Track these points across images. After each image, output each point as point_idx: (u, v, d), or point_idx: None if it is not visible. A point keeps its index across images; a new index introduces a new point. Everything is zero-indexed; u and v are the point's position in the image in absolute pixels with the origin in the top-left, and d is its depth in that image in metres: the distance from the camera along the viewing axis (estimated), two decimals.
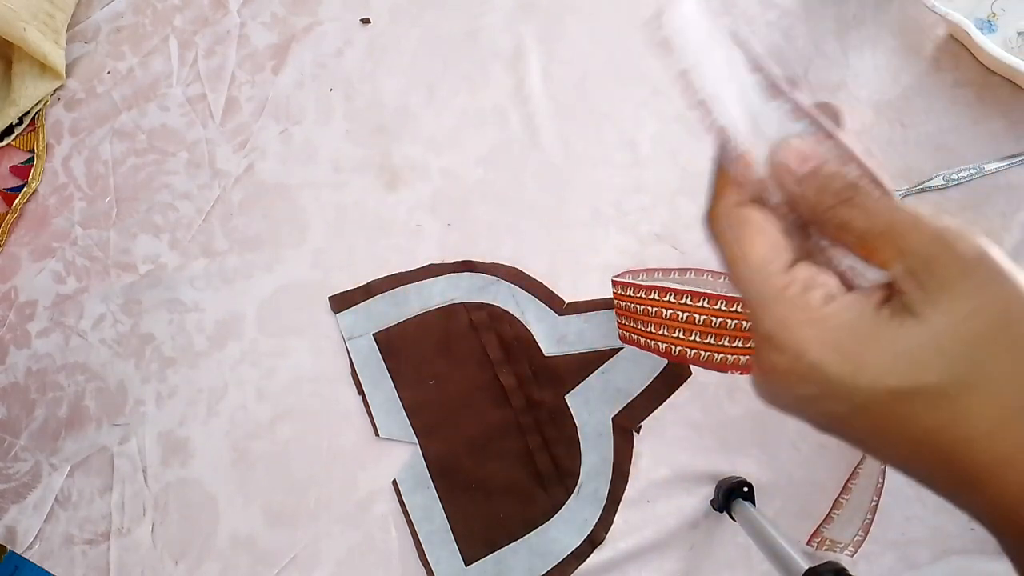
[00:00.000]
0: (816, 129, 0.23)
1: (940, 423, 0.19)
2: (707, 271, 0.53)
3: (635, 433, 0.56)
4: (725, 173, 0.23)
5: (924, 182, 0.60)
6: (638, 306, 0.48)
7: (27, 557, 0.55)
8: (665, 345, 0.46)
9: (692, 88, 0.23)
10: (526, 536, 0.54)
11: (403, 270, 0.60)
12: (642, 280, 0.53)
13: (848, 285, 0.22)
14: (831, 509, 0.52)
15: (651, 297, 0.46)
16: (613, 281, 0.52)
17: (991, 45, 0.59)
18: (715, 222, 0.23)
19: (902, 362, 0.19)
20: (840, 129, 0.24)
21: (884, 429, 0.20)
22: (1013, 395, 0.18)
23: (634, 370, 0.56)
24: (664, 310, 0.45)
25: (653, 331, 0.47)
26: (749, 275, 0.22)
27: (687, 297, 0.44)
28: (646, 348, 0.48)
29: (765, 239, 0.22)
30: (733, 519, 0.51)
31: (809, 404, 0.21)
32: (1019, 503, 0.19)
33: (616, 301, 0.52)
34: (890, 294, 0.21)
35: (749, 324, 0.32)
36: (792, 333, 0.21)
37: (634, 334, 0.49)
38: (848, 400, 0.20)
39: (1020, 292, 0.19)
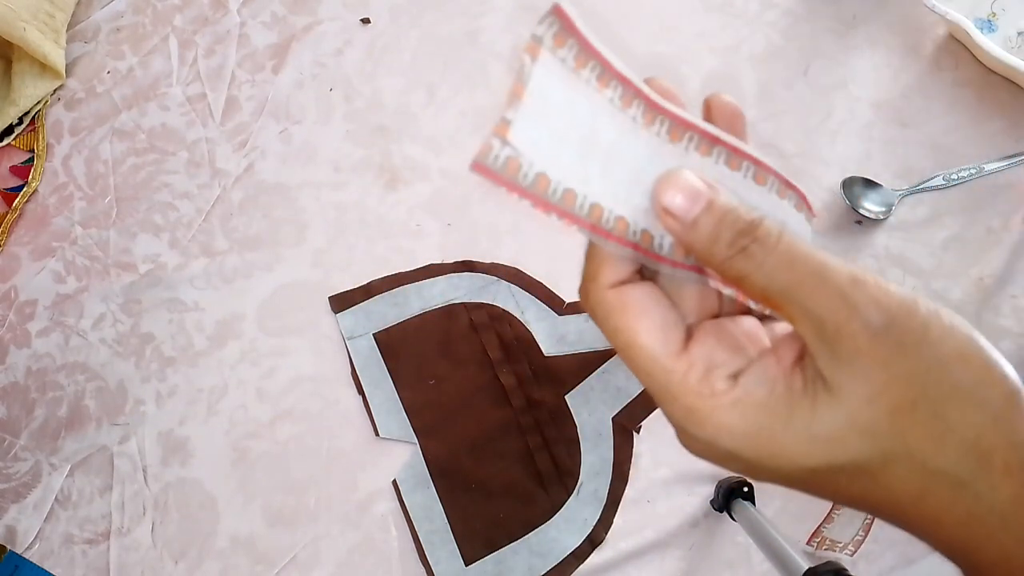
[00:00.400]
0: (700, 141, 0.21)
1: (865, 492, 0.19)
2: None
3: (635, 433, 0.56)
4: (595, 250, 0.21)
5: (924, 182, 0.60)
6: None
7: (27, 557, 0.55)
8: None
9: (545, 198, 0.19)
10: (526, 536, 0.54)
11: (403, 270, 0.60)
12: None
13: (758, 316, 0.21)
14: (831, 509, 0.52)
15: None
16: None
17: (991, 45, 0.59)
18: (593, 310, 0.21)
19: (819, 444, 0.18)
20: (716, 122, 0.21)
21: (817, 493, 0.20)
22: (934, 461, 0.18)
23: None
24: None
25: None
26: (643, 366, 0.20)
27: None
28: None
29: (650, 323, 0.20)
30: (733, 519, 0.51)
31: (739, 470, 0.21)
32: (954, 554, 0.19)
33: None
34: (801, 352, 0.20)
35: None
36: (702, 425, 0.19)
37: None
38: (773, 476, 0.20)
39: (936, 353, 0.18)
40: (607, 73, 0.20)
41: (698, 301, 0.22)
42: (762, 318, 0.23)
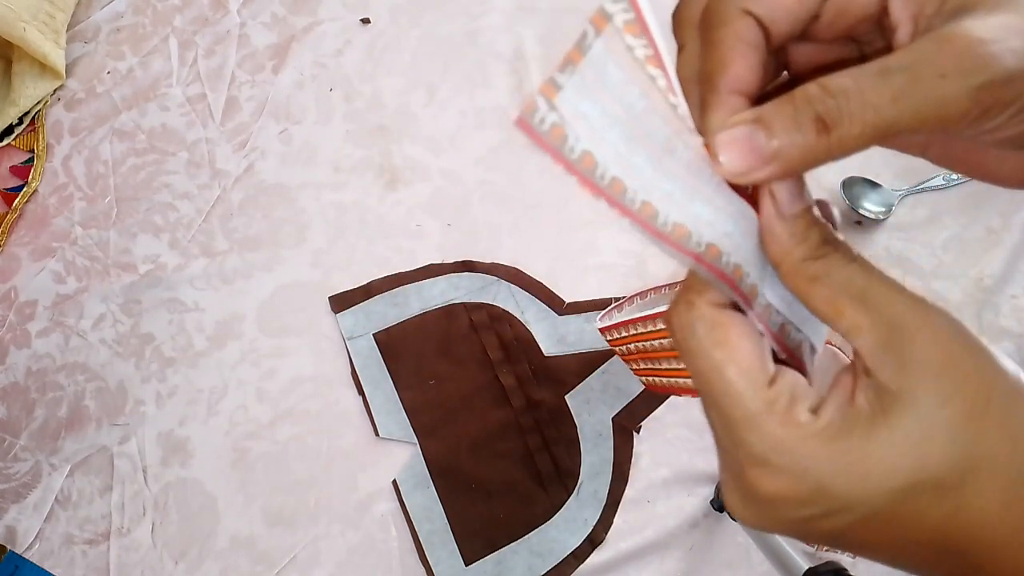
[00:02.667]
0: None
1: (946, 514, 0.18)
2: (664, 286, 0.48)
3: (635, 433, 0.56)
4: (695, 274, 0.20)
5: (924, 182, 0.60)
6: (644, 343, 0.42)
7: (27, 557, 0.55)
8: (684, 380, 0.41)
9: (615, 192, 0.19)
10: (526, 536, 0.54)
11: (403, 270, 0.60)
12: (631, 311, 0.47)
13: (795, 363, 0.21)
14: None
15: (652, 329, 0.41)
16: (600, 330, 0.46)
17: None
18: (687, 326, 0.20)
19: (902, 459, 0.18)
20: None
21: (888, 534, 0.19)
22: (1011, 471, 0.18)
23: None
24: (654, 340, 0.40)
25: (665, 367, 0.42)
26: (733, 387, 0.19)
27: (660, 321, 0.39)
28: (687, 391, 0.43)
29: (750, 347, 0.19)
30: (733, 519, 0.51)
31: (807, 523, 0.20)
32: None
33: (617, 352, 0.46)
34: (858, 374, 0.19)
35: None
36: (791, 455, 0.19)
37: (663, 376, 0.44)
38: (851, 512, 0.19)
39: (996, 366, 0.18)
40: (667, 80, 0.19)
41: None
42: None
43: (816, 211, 0.20)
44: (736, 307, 0.20)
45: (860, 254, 0.19)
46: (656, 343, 0.41)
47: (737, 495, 0.20)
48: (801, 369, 0.21)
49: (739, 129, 0.18)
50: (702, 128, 0.20)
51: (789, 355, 0.21)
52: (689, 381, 0.41)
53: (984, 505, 0.18)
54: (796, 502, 0.19)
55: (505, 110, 0.65)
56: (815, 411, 0.19)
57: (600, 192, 0.19)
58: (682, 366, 0.38)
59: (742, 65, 0.20)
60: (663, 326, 0.39)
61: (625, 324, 0.42)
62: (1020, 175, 0.21)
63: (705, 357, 0.20)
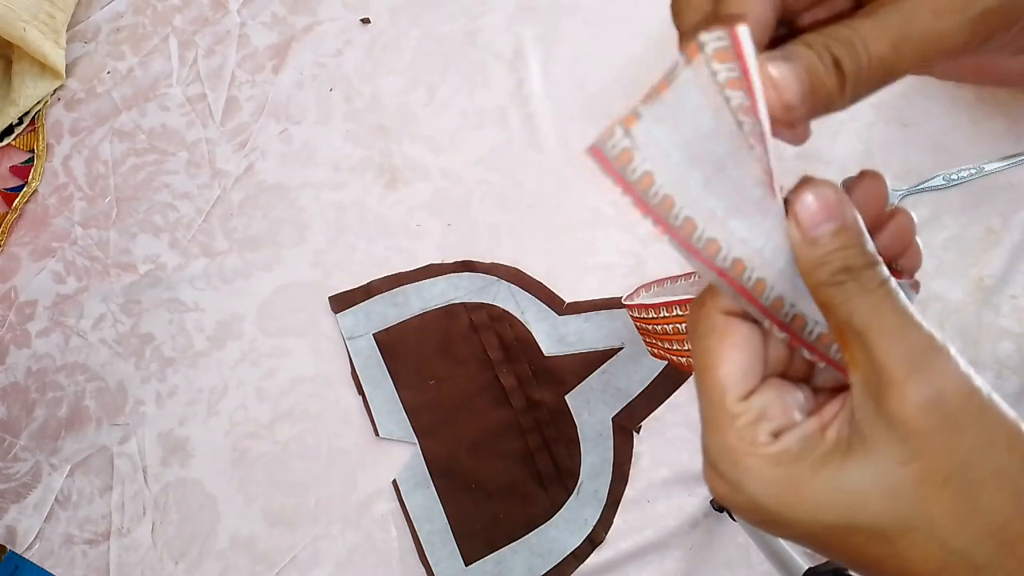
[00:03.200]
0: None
1: (881, 558, 0.19)
2: (693, 274, 0.53)
3: (635, 433, 0.56)
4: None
5: (924, 182, 0.60)
6: (657, 326, 0.46)
7: (27, 557, 0.55)
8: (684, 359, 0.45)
9: (665, 217, 0.19)
10: (526, 536, 0.54)
11: (403, 270, 0.60)
12: (653, 295, 0.52)
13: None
14: None
15: (665, 315, 0.45)
16: (624, 304, 0.51)
17: None
18: (696, 324, 0.21)
19: (841, 497, 0.19)
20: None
21: (833, 553, 0.20)
22: (954, 539, 0.18)
23: (634, 370, 0.56)
24: (680, 324, 0.44)
25: (680, 348, 0.45)
26: (708, 392, 0.21)
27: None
28: (687, 368, 0.47)
29: (737, 359, 0.20)
30: (733, 519, 0.51)
31: (757, 524, 0.21)
32: None
33: (635, 324, 0.50)
34: (843, 406, 0.20)
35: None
36: (735, 465, 0.20)
37: (669, 354, 0.48)
38: (788, 529, 0.20)
39: (984, 439, 0.18)
40: (750, 108, 0.19)
41: (781, 355, 0.22)
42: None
43: (852, 228, 0.19)
44: (750, 318, 0.21)
45: (886, 281, 0.19)
46: (669, 327, 0.45)
47: (706, 479, 0.22)
48: (836, 366, 0.22)
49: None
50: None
51: (829, 363, 0.22)
52: (685, 359, 0.45)
53: (917, 565, 0.18)
54: (737, 506, 0.20)
55: (505, 110, 0.65)
56: (777, 434, 0.20)
57: (650, 211, 0.19)
58: (685, 347, 0.44)
59: (759, 6, 0.20)
60: (678, 312, 0.43)
61: (647, 307, 0.46)
62: None
63: (699, 356, 0.21)
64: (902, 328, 0.18)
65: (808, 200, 0.19)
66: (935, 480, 0.18)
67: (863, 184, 0.22)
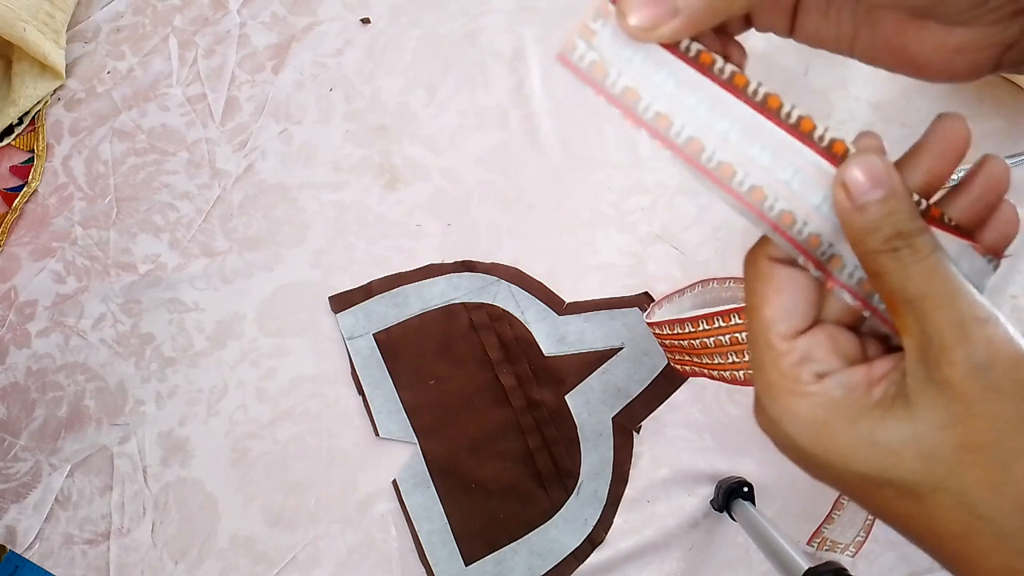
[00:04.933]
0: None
1: (909, 513, 0.19)
2: (712, 280, 0.53)
3: (635, 433, 0.56)
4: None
5: None
6: (682, 341, 0.47)
7: (27, 557, 0.55)
8: (730, 373, 0.45)
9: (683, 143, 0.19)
10: (526, 536, 0.54)
11: (403, 270, 0.60)
12: (665, 310, 0.52)
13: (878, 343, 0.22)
14: (831, 509, 0.52)
15: (688, 330, 0.45)
16: (648, 323, 0.51)
17: None
18: (747, 271, 0.22)
19: (876, 451, 0.19)
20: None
21: (863, 502, 0.20)
22: (984, 505, 0.18)
23: (634, 370, 0.56)
24: (707, 338, 0.44)
25: (711, 361, 0.45)
26: (754, 332, 0.21)
27: (719, 319, 0.42)
28: (718, 379, 0.47)
29: (779, 300, 0.21)
30: (733, 519, 0.51)
31: (796, 460, 0.21)
32: None
33: (660, 340, 0.51)
34: (895, 367, 0.20)
35: None
36: (775, 401, 0.21)
37: (695, 367, 0.48)
38: (822, 471, 0.20)
39: (1018, 414, 0.18)
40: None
41: (843, 306, 0.22)
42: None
43: (901, 193, 0.19)
44: (796, 264, 0.21)
45: (936, 248, 0.19)
46: (697, 342, 0.45)
47: (756, 417, 0.22)
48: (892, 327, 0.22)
49: None
50: None
51: (872, 311, 0.22)
52: (733, 373, 0.45)
53: (945, 525, 0.19)
54: (777, 441, 0.21)
55: (505, 110, 0.65)
56: (821, 376, 0.20)
57: (642, 123, 0.20)
58: (714, 361, 0.44)
59: None
60: (705, 326, 0.43)
61: (670, 323, 0.47)
62: (943, 56, 0.21)
63: (748, 300, 0.22)
64: (954, 296, 0.19)
65: (855, 169, 0.19)
66: (972, 446, 0.18)
67: (941, 127, 0.22)
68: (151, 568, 0.54)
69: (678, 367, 0.52)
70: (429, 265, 0.60)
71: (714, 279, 0.52)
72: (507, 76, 0.66)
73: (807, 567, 0.41)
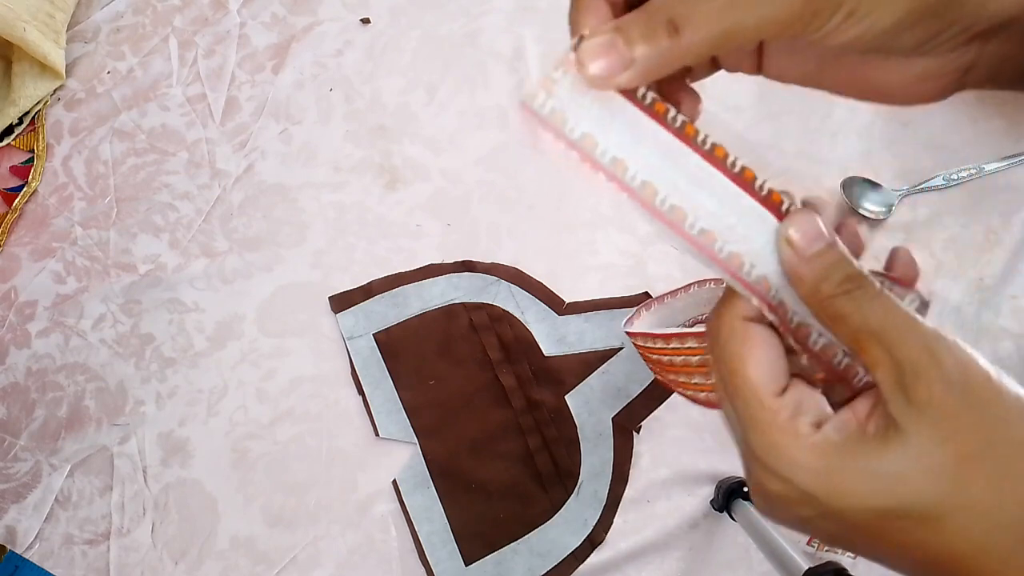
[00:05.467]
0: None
1: (928, 539, 0.20)
2: (708, 280, 0.52)
3: (635, 433, 0.56)
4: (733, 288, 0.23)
5: (924, 182, 0.60)
6: (664, 357, 0.45)
7: (27, 557, 0.55)
8: (692, 393, 0.44)
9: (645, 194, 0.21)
10: (526, 536, 0.54)
11: (403, 270, 0.60)
12: (654, 313, 0.51)
13: (845, 383, 0.22)
14: None
15: (673, 346, 0.44)
16: (627, 332, 0.49)
17: None
18: (718, 331, 0.22)
19: (885, 483, 0.19)
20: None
21: (879, 543, 0.21)
22: (997, 514, 0.19)
23: (634, 370, 0.56)
24: (691, 357, 0.43)
25: (693, 381, 0.44)
26: (744, 394, 0.21)
27: (692, 340, 0.42)
28: (695, 400, 0.46)
29: (766, 359, 0.22)
30: (733, 519, 0.51)
31: (808, 523, 0.21)
32: None
33: (640, 352, 0.49)
34: (876, 402, 0.21)
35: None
36: (783, 460, 0.21)
37: (677, 387, 0.47)
38: (841, 520, 0.20)
39: (1005, 414, 0.19)
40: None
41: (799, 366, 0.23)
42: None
43: (840, 245, 0.21)
44: (768, 323, 0.22)
45: (883, 287, 0.21)
46: (679, 359, 0.44)
47: (751, 487, 0.22)
48: (836, 375, 0.22)
49: (601, 38, 0.20)
50: (571, 29, 0.22)
51: (825, 368, 0.23)
52: (690, 392, 0.44)
53: (964, 544, 0.19)
54: (792, 502, 0.21)
55: (505, 110, 0.65)
56: (817, 425, 0.21)
57: (600, 167, 0.21)
58: (694, 380, 0.43)
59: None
60: (691, 344, 0.42)
61: (653, 336, 0.45)
62: (905, 85, 0.22)
63: (727, 362, 0.22)
64: (914, 325, 0.20)
65: (797, 226, 0.21)
66: (970, 456, 0.19)
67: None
68: (151, 568, 0.54)
69: (656, 376, 0.50)
70: (429, 265, 0.60)
71: (710, 280, 0.51)
72: (507, 76, 0.66)
73: (807, 567, 0.41)
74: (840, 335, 0.21)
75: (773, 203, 0.22)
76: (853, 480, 0.20)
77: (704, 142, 0.21)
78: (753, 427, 0.21)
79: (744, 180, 0.21)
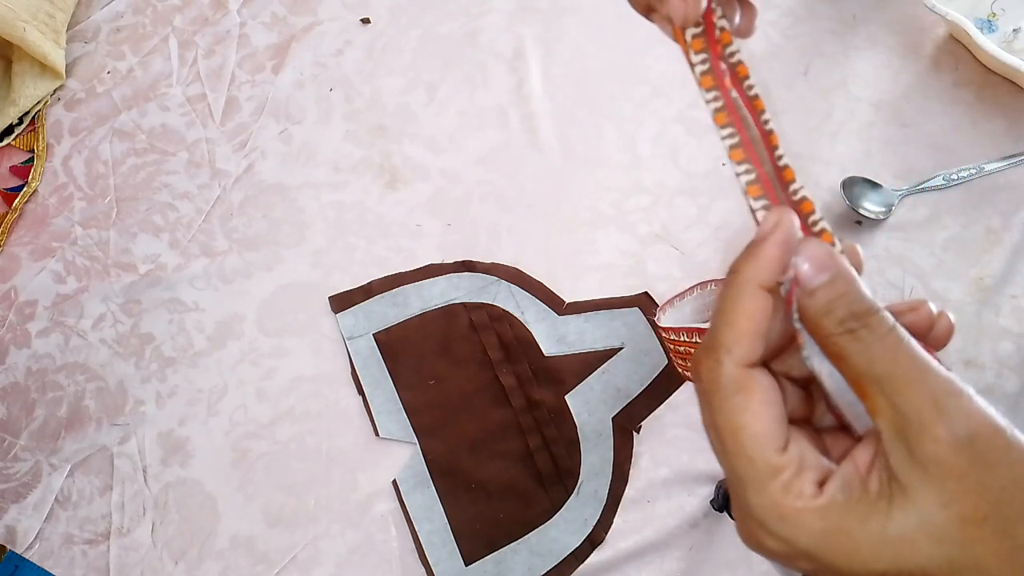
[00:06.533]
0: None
1: None
2: (711, 281, 0.52)
3: (635, 433, 0.56)
4: (733, 319, 0.21)
5: (924, 182, 0.60)
6: (681, 348, 0.47)
7: (27, 557, 0.55)
8: None
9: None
10: (526, 536, 0.54)
11: (403, 270, 0.60)
12: (677, 309, 0.52)
13: (840, 422, 0.21)
14: None
15: (695, 340, 0.44)
16: (658, 327, 0.50)
17: (991, 45, 0.59)
18: (712, 382, 0.21)
19: (890, 546, 0.19)
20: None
21: None
22: (1004, 574, 0.18)
23: (634, 370, 0.56)
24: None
25: None
26: (745, 450, 0.20)
27: None
28: None
29: (770, 413, 0.20)
30: (733, 519, 0.51)
31: (803, 570, 0.21)
32: None
33: (667, 345, 0.50)
34: (878, 452, 0.20)
35: None
36: (787, 523, 0.20)
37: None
38: None
39: (1014, 474, 0.18)
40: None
41: (798, 402, 0.22)
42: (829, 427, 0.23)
43: (847, 275, 0.20)
44: (764, 365, 0.21)
45: (895, 326, 0.19)
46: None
47: (744, 536, 0.22)
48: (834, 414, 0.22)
49: None
50: None
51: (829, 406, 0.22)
52: None
53: None
54: (789, 557, 0.20)
55: (505, 110, 0.65)
56: (820, 484, 0.20)
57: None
58: None
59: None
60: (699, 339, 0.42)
61: (679, 330, 0.46)
62: None
63: (725, 416, 0.20)
64: (923, 372, 0.19)
65: (807, 253, 0.20)
66: (975, 519, 0.18)
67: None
68: (151, 568, 0.54)
69: (681, 371, 0.52)
70: (429, 265, 0.60)
71: (713, 280, 0.52)
72: (507, 76, 0.66)
73: None
74: (845, 375, 0.20)
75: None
76: (858, 543, 0.19)
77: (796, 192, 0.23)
78: (753, 486, 0.20)
79: (800, 212, 0.21)
